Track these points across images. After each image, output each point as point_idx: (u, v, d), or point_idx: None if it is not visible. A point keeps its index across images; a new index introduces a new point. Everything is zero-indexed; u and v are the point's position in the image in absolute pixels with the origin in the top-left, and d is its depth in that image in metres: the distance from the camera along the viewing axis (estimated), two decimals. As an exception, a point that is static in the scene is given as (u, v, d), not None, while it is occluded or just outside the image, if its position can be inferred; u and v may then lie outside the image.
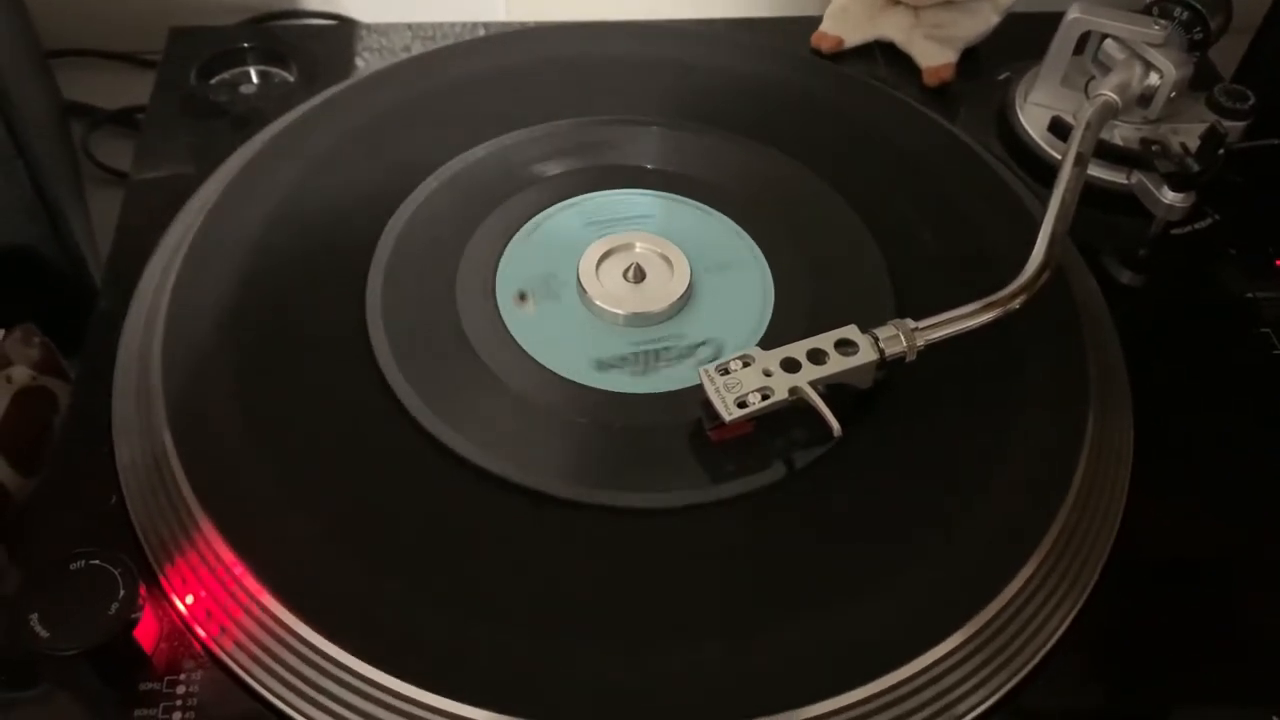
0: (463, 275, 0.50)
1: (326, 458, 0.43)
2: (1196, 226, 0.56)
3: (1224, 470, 0.47)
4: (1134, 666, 0.41)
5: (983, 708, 0.39)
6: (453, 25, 0.66)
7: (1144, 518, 0.45)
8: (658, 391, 0.46)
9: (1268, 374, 0.50)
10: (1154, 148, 0.54)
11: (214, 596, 0.39)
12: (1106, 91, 0.53)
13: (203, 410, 0.44)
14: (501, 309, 0.49)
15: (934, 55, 0.63)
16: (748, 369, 0.43)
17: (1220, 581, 0.44)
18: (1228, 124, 0.55)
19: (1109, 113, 0.53)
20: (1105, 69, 0.56)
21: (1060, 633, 0.42)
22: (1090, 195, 0.53)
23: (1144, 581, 0.44)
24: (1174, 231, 0.56)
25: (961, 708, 0.39)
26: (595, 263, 0.50)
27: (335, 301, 0.48)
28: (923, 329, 0.44)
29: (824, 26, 0.66)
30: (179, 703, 0.38)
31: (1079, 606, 0.42)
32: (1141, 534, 0.45)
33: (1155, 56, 0.54)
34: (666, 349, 0.48)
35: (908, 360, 0.44)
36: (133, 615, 0.37)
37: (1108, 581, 0.43)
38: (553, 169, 0.55)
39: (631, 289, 0.49)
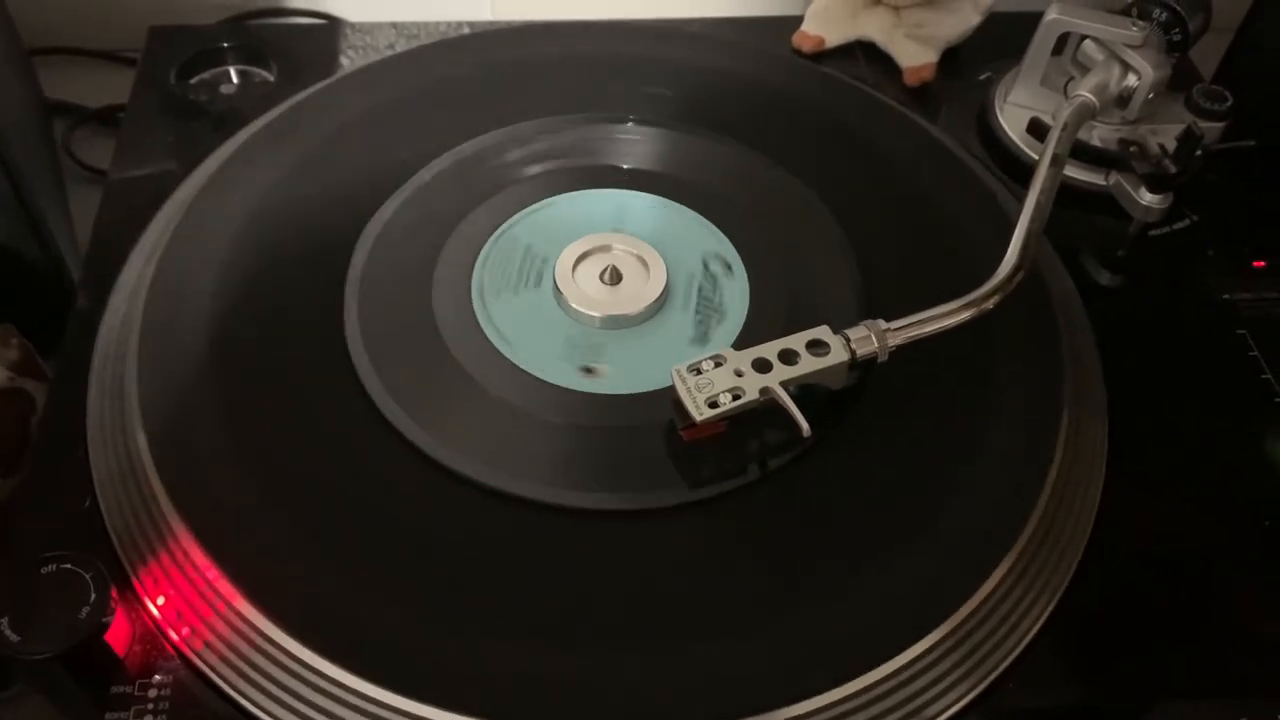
0: (439, 276, 0.50)
1: (300, 460, 0.43)
2: (1174, 227, 0.56)
3: (1199, 471, 0.47)
4: (1108, 664, 0.42)
5: (958, 706, 0.40)
6: (438, 24, 0.66)
7: (1119, 517, 0.45)
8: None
9: (1244, 375, 0.50)
10: (1132, 149, 0.54)
11: (186, 599, 0.39)
12: (1084, 92, 0.53)
13: (177, 412, 0.44)
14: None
15: (915, 55, 0.63)
16: (719, 369, 0.43)
17: (1194, 580, 0.44)
18: (1206, 125, 0.55)
19: (1086, 114, 0.53)
20: (1084, 70, 0.56)
21: (1035, 631, 0.42)
22: (1069, 196, 0.53)
23: (1118, 580, 0.44)
24: (1152, 232, 0.56)
25: (937, 706, 0.39)
26: (571, 265, 0.50)
27: (313, 303, 0.48)
28: (895, 329, 0.44)
29: (805, 26, 0.65)
30: (150, 705, 0.38)
31: (1054, 605, 0.42)
32: (1116, 533, 0.45)
33: (1133, 57, 0.54)
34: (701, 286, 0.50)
35: (880, 361, 0.44)
36: (103, 619, 0.37)
37: (1082, 580, 0.43)
38: (531, 169, 0.55)
39: (608, 291, 0.49)
